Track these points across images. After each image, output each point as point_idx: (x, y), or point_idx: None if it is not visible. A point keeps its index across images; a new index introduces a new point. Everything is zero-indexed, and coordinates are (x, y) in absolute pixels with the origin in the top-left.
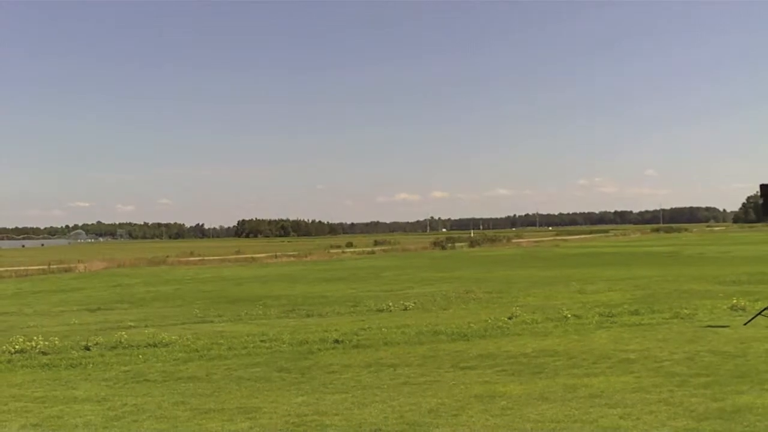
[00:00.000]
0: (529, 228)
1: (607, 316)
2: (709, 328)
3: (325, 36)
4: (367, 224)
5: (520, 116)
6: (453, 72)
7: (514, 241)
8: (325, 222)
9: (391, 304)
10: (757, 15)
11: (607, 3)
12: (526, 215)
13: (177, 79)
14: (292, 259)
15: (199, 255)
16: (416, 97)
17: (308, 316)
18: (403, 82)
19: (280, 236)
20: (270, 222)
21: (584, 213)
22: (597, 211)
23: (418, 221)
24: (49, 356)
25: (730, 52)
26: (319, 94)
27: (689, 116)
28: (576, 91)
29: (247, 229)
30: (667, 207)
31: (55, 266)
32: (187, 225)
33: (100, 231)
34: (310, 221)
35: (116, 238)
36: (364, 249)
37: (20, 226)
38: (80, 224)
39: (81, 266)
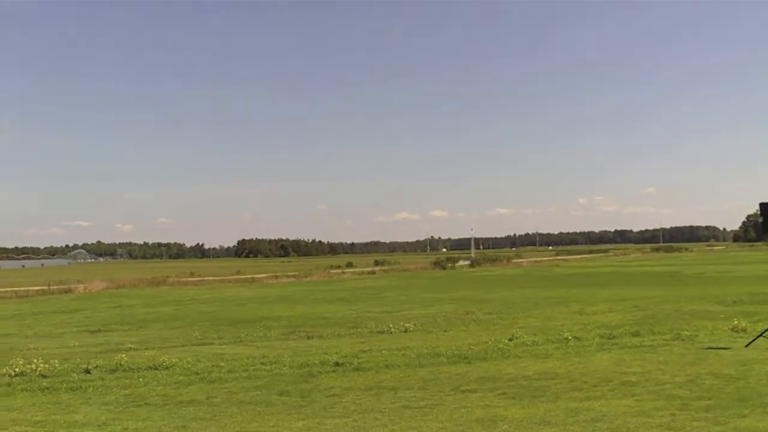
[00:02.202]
0: (529, 247)
1: (608, 338)
2: (710, 350)
3: (325, 54)
4: (366, 244)
5: (520, 135)
6: (452, 90)
7: (514, 261)
8: (325, 242)
9: (391, 325)
10: (757, 32)
11: (606, 20)
12: (526, 234)
13: (176, 97)
14: (293, 279)
15: (199, 275)
16: (416, 116)
17: (309, 337)
18: (403, 99)
19: (280, 256)
20: (270, 242)
21: (584, 232)
22: (597, 230)
23: (417, 240)
24: (49, 379)
25: (731, 69)
26: (319, 112)
27: (689, 134)
28: (576, 109)
29: (247, 249)
30: (667, 226)
31: (55, 287)
32: (187, 245)
33: (100, 251)
34: (310, 241)
35: (116, 258)
36: (364, 269)
37: (20, 246)
38: (80, 244)
39: (81, 287)
